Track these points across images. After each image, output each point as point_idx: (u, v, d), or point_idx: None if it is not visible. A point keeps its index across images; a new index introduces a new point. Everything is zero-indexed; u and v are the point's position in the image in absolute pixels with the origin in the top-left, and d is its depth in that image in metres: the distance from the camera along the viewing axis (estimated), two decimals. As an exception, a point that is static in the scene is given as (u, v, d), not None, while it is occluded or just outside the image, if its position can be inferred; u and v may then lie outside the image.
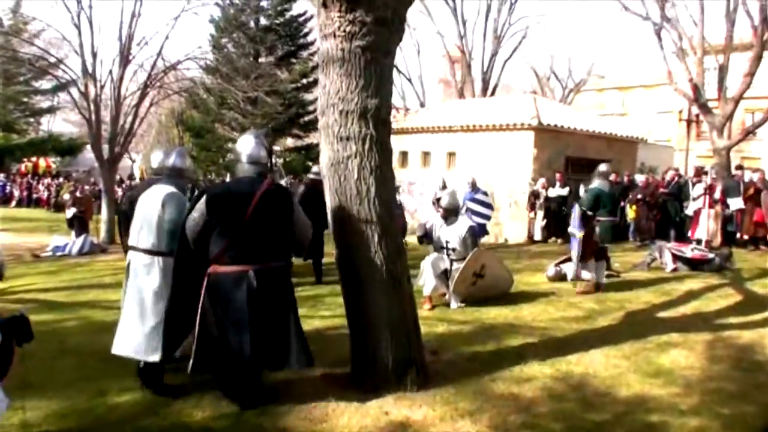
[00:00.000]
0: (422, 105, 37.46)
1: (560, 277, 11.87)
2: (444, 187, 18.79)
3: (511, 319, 9.01)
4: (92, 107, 21.51)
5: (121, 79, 21.68)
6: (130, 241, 6.35)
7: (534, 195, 19.26)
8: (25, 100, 47.73)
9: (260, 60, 29.21)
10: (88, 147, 48.76)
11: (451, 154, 21.88)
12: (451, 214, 10.00)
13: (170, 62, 22.88)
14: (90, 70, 21.28)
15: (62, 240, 18.66)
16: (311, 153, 33.37)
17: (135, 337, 6.04)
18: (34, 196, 38.34)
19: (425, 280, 9.64)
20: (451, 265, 9.75)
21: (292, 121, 32.82)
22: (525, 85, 48.14)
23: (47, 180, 39.49)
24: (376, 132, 5.82)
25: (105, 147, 21.96)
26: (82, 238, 18.26)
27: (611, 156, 20.83)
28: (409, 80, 39.78)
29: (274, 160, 33.15)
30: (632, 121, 40.61)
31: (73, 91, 23.01)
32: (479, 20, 36.60)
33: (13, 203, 38.40)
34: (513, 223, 19.98)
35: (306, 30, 34.04)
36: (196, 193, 6.04)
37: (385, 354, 5.88)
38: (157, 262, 6.08)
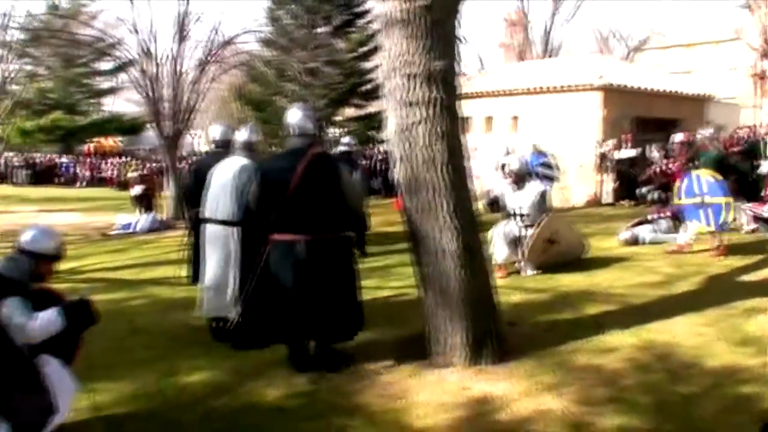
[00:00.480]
0: (481, 69, 36.91)
1: (634, 241, 11.45)
2: (508, 153, 18.42)
3: (586, 285, 8.67)
4: (151, 85, 21.54)
5: (178, 56, 21.67)
6: (207, 213, 6.73)
7: (602, 157, 18.73)
8: (87, 81, 48.34)
9: (317, 30, 28.91)
10: (149, 126, 49.86)
11: (515, 118, 21.39)
12: (521, 179, 9.67)
13: (227, 37, 22.71)
14: (147, 48, 21.32)
15: (128, 218, 18.79)
16: (372, 122, 33.03)
17: (219, 304, 6.58)
18: (100, 175, 38.85)
19: (496, 249, 9.34)
20: (524, 230, 9.44)
21: (351, 90, 32.49)
22: (585, 46, 46.99)
23: (112, 159, 39.97)
24: (443, 96, 5.55)
25: (167, 124, 21.92)
26: (148, 215, 18.35)
27: (679, 115, 20.16)
28: (467, 43, 39.30)
29: (330, 130, 33.12)
30: (696, 79, 39.38)
31: (133, 70, 23.08)
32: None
33: (79, 183, 38.95)
34: (580, 186, 19.47)
35: (363, -3, 33.66)
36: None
37: (461, 327, 5.64)
38: (232, 232, 6.51)
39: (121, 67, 48.75)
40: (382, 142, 29.37)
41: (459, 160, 5.68)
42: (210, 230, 6.70)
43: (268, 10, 32.02)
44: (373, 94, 35.21)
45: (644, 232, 11.52)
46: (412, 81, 5.50)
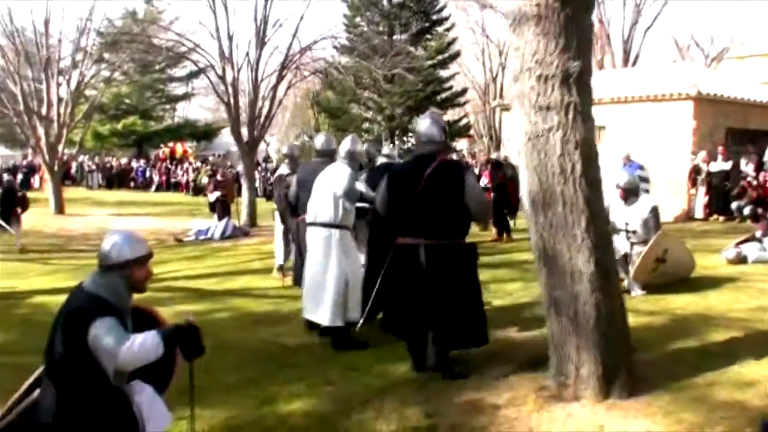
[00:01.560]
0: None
1: (740, 260, 10.74)
2: (628, 160, 17.75)
3: (702, 308, 8.06)
4: (230, 91, 21.42)
5: (257, 61, 21.50)
6: (308, 218, 7.25)
7: (695, 170, 17.90)
8: (161, 87, 48.90)
9: (395, 37, 28.57)
10: (224, 131, 50.09)
11: (600, 128, 20.59)
12: (630, 194, 9.05)
13: (305, 44, 22.47)
14: (227, 53, 21.19)
15: (204, 224, 18.61)
16: (451, 130, 32.64)
17: (322, 304, 6.91)
18: (173, 180, 39.05)
19: None
20: (631, 248, 8.84)
21: (429, 98, 32.08)
22: (664, 54, 45.76)
23: (185, 164, 40.18)
24: (579, 99, 5.02)
25: (243, 131, 21.75)
26: (224, 221, 18.06)
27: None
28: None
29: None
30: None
31: (211, 75, 23.00)
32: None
33: (153, 188, 39.24)
34: (670, 199, 18.62)
35: (440, 5, 33.17)
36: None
37: (593, 356, 5.08)
38: (334, 234, 6.92)
39: (197, 73, 49.60)
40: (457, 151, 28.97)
41: (595, 171, 5.14)
42: (312, 233, 7.15)
43: (345, 17, 31.83)
44: (450, 102, 34.89)
45: (751, 250, 10.85)
46: (546, 83, 4.97)
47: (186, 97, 51.68)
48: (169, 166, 40.86)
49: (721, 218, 17.23)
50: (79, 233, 20.13)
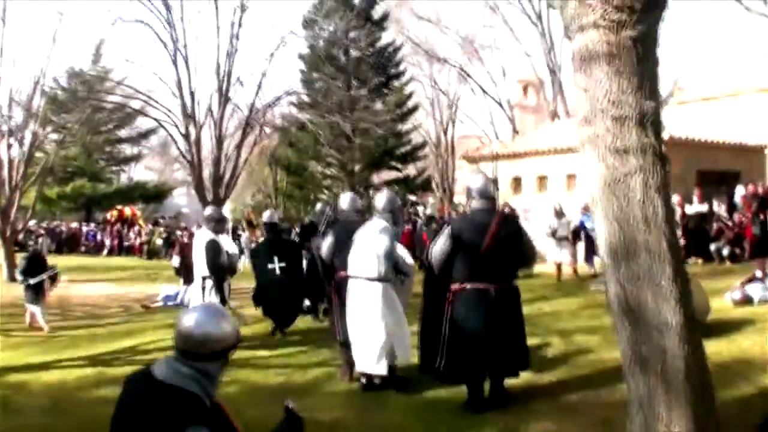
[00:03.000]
0: (515, 131, 36.33)
1: (746, 300, 10.67)
2: (560, 214, 17.61)
3: (737, 353, 7.98)
4: (194, 149, 21.00)
5: (221, 118, 21.16)
6: (351, 272, 7.56)
7: (669, 213, 17.89)
8: (110, 149, 47.96)
9: (352, 93, 28.48)
10: (174, 192, 49.51)
11: (571, 177, 20.62)
12: None
13: (266, 100, 22.24)
14: (189, 110, 20.82)
15: (172, 289, 17.75)
16: (411, 184, 32.55)
17: (369, 354, 7.29)
18: (126, 244, 38.06)
19: None
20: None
21: (389, 152, 31.95)
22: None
23: (137, 227, 39.27)
24: (655, 141, 4.73)
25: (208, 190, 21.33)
26: (191, 285, 17.24)
27: (740, 167, 19.44)
28: (500, 104, 38.79)
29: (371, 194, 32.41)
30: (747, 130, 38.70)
31: (172, 133, 22.56)
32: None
33: (105, 252, 38.16)
34: (647, 244, 18.61)
35: (397, 58, 33.23)
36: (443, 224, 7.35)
37: (683, 414, 4.70)
38: (379, 287, 7.31)
39: (145, 134, 49.05)
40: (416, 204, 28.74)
41: (673, 216, 4.84)
42: (356, 285, 7.48)
43: (302, 72, 31.64)
44: (409, 157, 34.77)
45: (755, 290, 10.82)
46: (623, 124, 4.67)
47: (135, 158, 50.92)
48: (121, 230, 39.89)
49: (700, 260, 17.20)
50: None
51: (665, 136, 14.46)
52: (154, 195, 46.26)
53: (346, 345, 7.87)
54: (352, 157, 29.80)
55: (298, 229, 14.27)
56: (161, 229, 36.70)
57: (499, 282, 6.56)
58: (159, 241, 34.32)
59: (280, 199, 37.01)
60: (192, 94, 20.90)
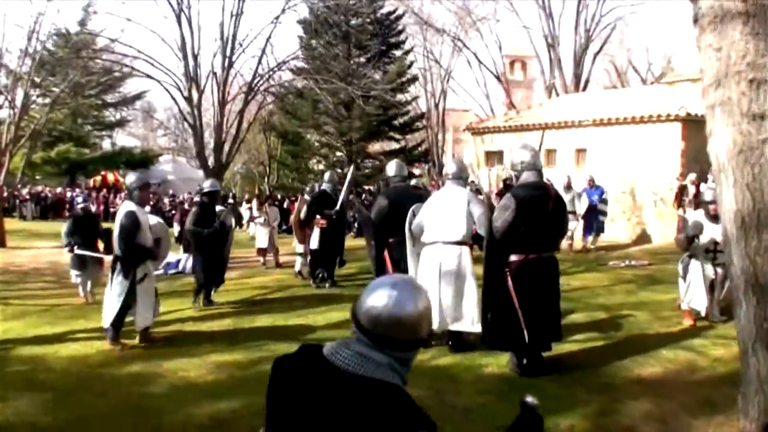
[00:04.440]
0: (512, 104, 35.99)
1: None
2: (568, 186, 17.46)
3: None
4: (196, 113, 20.45)
5: (225, 82, 20.63)
6: (435, 236, 7.56)
7: (681, 190, 17.70)
8: (95, 113, 46.85)
9: (353, 61, 27.94)
10: (161, 159, 48.61)
11: (580, 151, 20.37)
12: None
13: (273, 64, 21.74)
14: (192, 73, 20.28)
15: (172, 256, 17.14)
16: (411, 155, 32.10)
17: (469, 313, 7.39)
18: (112, 210, 37.35)
19: (695, 295, 8.36)
20: (715, 272, 8.37)
21: (388, 123, 31.46)
22: (602, 79, 46.21)
23: (124, 193, 38.51)
24: (793, 107, 4.44)
25: (210, 156, 20.85)
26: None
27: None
28: (498, 78, 38.38)
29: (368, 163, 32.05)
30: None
31: (175, 96, 21.91)
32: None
33: (91, 218, 37.40)
34: (658, 222, 18.46)
35: (398, 27, 32.70)
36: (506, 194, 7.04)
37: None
38: (464, 250, 7.51)
39: (132, 99, 48.17)
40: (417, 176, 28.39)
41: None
42: (442, 249, 7.49)
43: (301, 39, 31.00)
44: (409, 127, 34.32)
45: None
46: (759, 88, 4.39)
47: (120, 124, 49.93)
48: (107, 196, 39.16)
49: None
50: (29, 268, 18.35)
51: (682, 113, 14.40)
52: (140, 161, 44.98)
53: None
54: (350, 126, 29.27)
55: (307, 197, 13.81)
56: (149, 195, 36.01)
57: (552, 251, 6.81)
58: (147, 208, 33.72)
59: (274, 166, 36.51)
60: (195, 56, 20.29)
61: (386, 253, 8.50)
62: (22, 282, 15.52)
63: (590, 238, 17.51)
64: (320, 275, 12.72)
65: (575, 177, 18.16)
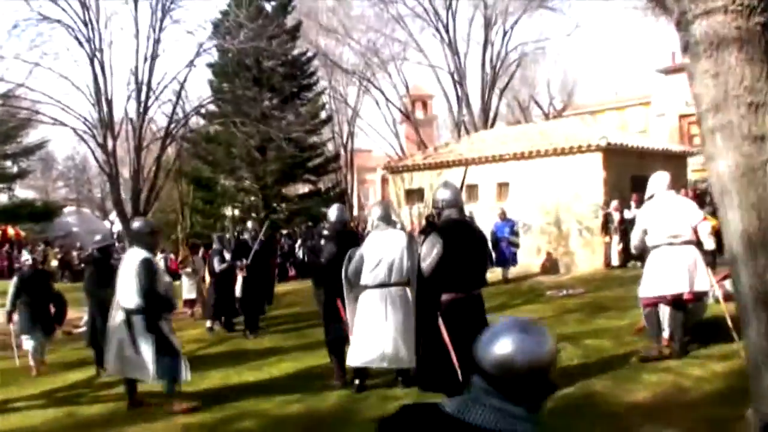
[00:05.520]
0: (422, 142, 36.48)
1: (730, 297, 10.69)
2: (504, 216, 17.91)
3: None
4: (112, 161, 19.96)
5: (141, 127, 20.21)
6: (375, 280, 7.59)
7: (606, 218, 18.20)
8: (-8, 165, 44.93)
9: (266, 103, 27.81)
10: (65, 211, 47.04)
11: (502, 185, 20.67)
12: None
13: (190, 110, 21.45)
14: (108, 119, 19.80)
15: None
16: (326, 197, 31.94)
17: (402, 352, 7.47)
18: (17, 266, 35.82)
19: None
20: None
21: (302, 165, 31.29)
22: (505, 115, 47.10)
23: (28, 247, 37.00)
24: (788, 128, 4.58)
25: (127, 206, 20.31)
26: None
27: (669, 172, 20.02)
28: (407, 116, 38.87)
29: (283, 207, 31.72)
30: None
31: (85, 144, 21.34)
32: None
33: (-7, 276, 35.82)
34: (583, 250, 18.87)
35: (310, 69, 32.73)
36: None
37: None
38: (407, 291, 7.66)
39: (32, 150, 46.49)
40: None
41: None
42: (389, 292, 7.58)
43: (210, 83, 30.70)
44: (324, 168, 34.27)
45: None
46: (757, 111, 4.51)
47: (21, 175, 48.04)
48: (10, 251, 37.60)
49: (639, 263, 17.45)
50: None
51: (603, 143, 14.95)
52: (42, 213, 43.59)
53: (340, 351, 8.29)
54: (265, 170, 29.04)
55: (216, 246, 13.92)
56: (56, 249, 34.92)
57: (480, 287, 6.86)
58: (54, 262, 32.58)
59: (187, 213, 35.81)
60: (109, 101, 19.81)
61: (339, 301, 8.19)
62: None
63: (508, 269, 17.93)
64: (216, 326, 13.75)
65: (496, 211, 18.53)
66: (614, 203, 18.06)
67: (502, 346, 2.22)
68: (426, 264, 6.59)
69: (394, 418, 2.34)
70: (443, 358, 6.37)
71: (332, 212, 9.47)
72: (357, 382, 7.93)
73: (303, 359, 10.01)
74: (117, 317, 7.81)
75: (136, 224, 8.49)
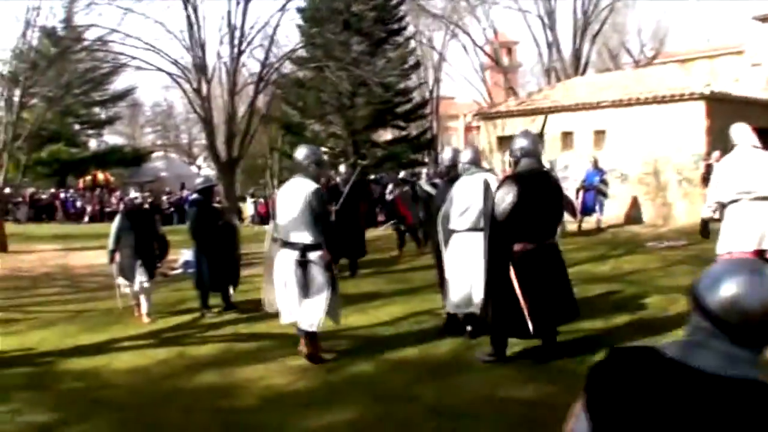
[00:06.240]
0: (512, 89, 35.86)
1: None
2: (596, 165, 17.62)
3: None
4: (206, 105, 20.08)
5: (235, 71, 20.27)
6: (464, 225, 7.63)
7: (707, 169, 17.56)
8: (85, 111, 45.89)
9: (355, 48, 27.61)
10: (153, 156, 47.93)
11: (599, 133, 20.12)
12: None
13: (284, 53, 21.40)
14: (202, 63, 19.90)
15: (189, 254, 16.41)
16: (416, 143, 31.85)
17: (474, 300, 7.46)
18: (107, 210, 36.69)
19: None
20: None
21: (392, 110, 31.19)
22: (594, 62, 45.92)
23: (118, 192, 37.91)
24: None
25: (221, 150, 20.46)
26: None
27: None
28: (497, 62, 38.24)
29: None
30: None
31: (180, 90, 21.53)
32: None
33: (86, 219, 36.84)
34: (683, 202, 18.29)
35: (399, 14, 32.41)
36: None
37: None
38: (480, 238, 7.24)
39: (120, 96, 47.36)
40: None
41: None
42: (465, 238, 7.61)
43: (299, 27, 30.69)
44: (414, 114, 34.09)
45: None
46: None
47: (111, 121, 49.09)
48: (102, 195, 38.57)
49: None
50: (39, 273, 17.57)
51: (706, 91, 14.23)
52: (132, 159, 44.54)
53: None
54: (354, 115, 28.99)
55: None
56: (146, 193, 35.59)
57: (551, 238, 6.91)
58: (146, 206, 33.28)
59: (276, 158, 36.05)
60: (202, 46, 19.89)
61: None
62: (34, 288, 14.94)
63: (599, 217, 17.91)
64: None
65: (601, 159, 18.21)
66: (716, 154, 17.31)
67: (732, 287, 2.00)
68: (500, 210, 6.60)
69: (605, 364, 2.15)
70: (514, 307, 6.52)
71: (446, 154, 9.60)
72: (469, 328, 7.82)
73: (409, 303, 10.02)
74: (284, 256, 7.18)
75: (301, 152, 7.39)
